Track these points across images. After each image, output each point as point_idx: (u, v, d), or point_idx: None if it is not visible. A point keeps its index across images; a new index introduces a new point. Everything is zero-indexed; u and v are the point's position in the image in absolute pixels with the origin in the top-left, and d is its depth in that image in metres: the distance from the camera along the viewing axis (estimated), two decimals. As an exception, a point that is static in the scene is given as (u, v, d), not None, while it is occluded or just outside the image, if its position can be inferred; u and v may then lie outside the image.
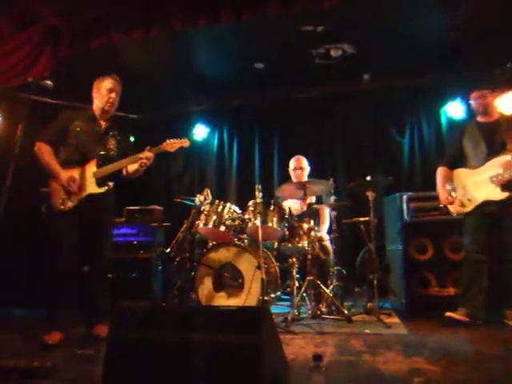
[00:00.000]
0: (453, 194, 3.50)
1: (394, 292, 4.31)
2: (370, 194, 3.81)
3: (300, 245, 3.81)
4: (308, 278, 3.60)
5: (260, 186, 3.84)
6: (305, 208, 4.27)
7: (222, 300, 3.68)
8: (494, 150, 3.35)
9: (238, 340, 1.53)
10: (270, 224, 3.77)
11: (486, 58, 4.69)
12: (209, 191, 4.18)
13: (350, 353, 2.59)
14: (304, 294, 3.70)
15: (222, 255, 3.73)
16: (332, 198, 4.17)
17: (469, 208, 3.43)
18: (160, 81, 5.43)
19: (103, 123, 3.42)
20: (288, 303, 3.92)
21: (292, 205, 4.32)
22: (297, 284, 3.71)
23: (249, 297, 3.51)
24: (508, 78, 4.75)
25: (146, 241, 4.59)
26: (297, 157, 4.73)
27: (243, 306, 3.42)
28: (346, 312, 3.65)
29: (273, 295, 3.84)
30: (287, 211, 3.98)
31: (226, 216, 3.90)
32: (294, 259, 3.79)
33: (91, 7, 4.02)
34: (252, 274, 3.52)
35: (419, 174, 5.58)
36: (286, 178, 4.82)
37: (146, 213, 4.87)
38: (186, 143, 3.57)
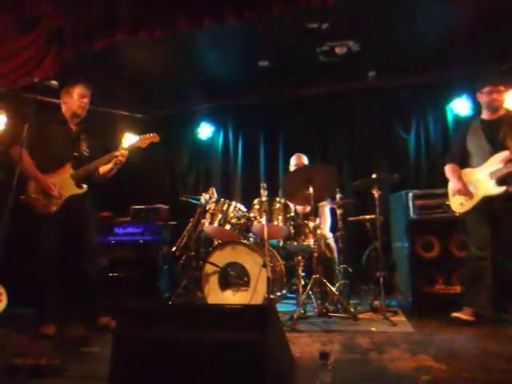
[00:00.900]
0: (471, 188, 3.44)
1: (401, 290, 4.29)
2: (376, 192, 3.80)
3: (306, 243, 3.81)
4: (314, 276, 3.60)
5: (265, 185, 3.84)
6: (308, 208, 4.27)
7: (228, 298, 3.69)
8: (497, 147, 3.33)
9: (245, 338, 1.53)
10: (275, 222, 3.77)
11: (493, 54, 4.66)
12: (214, 190, 4.19)
13: (356, 351, 2.59)
14: (310, 292, 3.69)
15: (228, 254, 3.73)
16: (338, 196, 4.16)
17: (469, 206, 3.42)
18: (164, 80, 5.44)
19: (73, 127, 3.55)
20: (294, 301, 3.92)
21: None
22: (303, 282, 3.71)
23: (255, 295, 3.51)
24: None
25: (151, 240, 4.60)
26: (297, 154, 4.77)
27: (249, 304, 3.42)
28: (352, 310, 3.65)
29: (279, 293, 3.84)
30: (292, 209, 3.99)
31: (232, 214, 3.91)
32: (300, 257, 3.79)
33: (95, 8, 4.03)
34: (258, 273, 3.52)
35: (425, 172, 5.55)
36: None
37: (152, 212, 4.89)
38: (155, 138, 3.72)
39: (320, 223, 4.26)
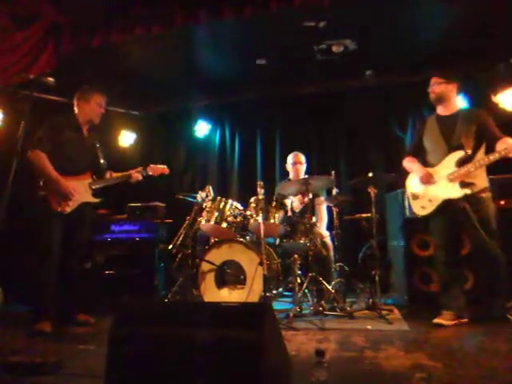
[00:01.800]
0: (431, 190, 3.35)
1: (396, 288, 4.31)
2: (372, 191, 3.81)
3: (302, 241, 3.82)
4: (310, 274, 3.61)
5: (262, 183, 3.84)
6: (305, 201, 4.29)
7: (225, 296, 3.69)
8: (452, 145, 3.25)
9: (240, 336, 1.54)
10: (272, 220, 3.78)
11: (489, 53, 4.68)
12: (210, 188, 4.18)
13: (352, 349, 2.60)
14: (306, 291, 3.70)
15: (224, 252, 3.73)
16: (334, 191, 4.16)
17: (430, 209, 3.34)
18: (161, 77, 5.43)
19: (85, 132, 3.63)
20: (290, 299, 3.93)
21: (294, 201, 4.33)
22: (299, 280, 3.72)
23: (251, 293, 3.52)
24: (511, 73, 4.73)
25: (148, 237, 4.59)
26: (294, 153, 4.78)
27: (245, 302, 3.43)
28: (348, 308, 3.66)
29: (275, 291, 3.85)
30: (289, 207, 3.99)
31: (228, 213, 3.91)
32: (296, 256, 3.79)
33: (93, 4, 4.01)
34: (254, 271, 3.52)
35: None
36: (287, 174, 4.82)
37: (148, 209, 4.88)
38: (165, 170, 4.00)
39: (316, 221, 4.27)
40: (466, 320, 3.18)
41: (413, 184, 3.53)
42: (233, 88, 5.98)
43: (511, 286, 3.07)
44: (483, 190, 3.19)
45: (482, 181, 3.20)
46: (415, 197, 3.48)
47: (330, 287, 3.69)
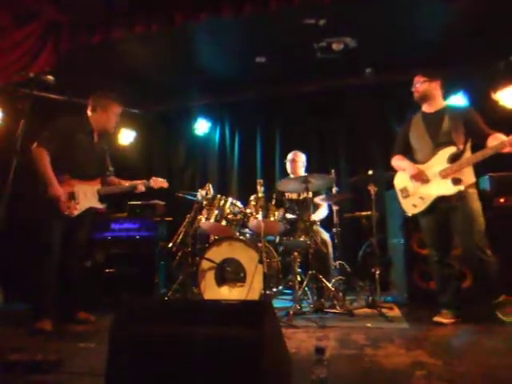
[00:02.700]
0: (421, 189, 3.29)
1: (396, 286, 4.31)
2: (372, 189, 3.81)
3: (302, 239, 3.82)
4: (310, 272, 3.61)
5: (262, 181, 3.84)
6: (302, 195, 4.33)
7: (225, 294, 3.69)
8: (439, 141, 3.21)
9: (241, 334, 1.54)
10: (271, 218, 3.78)
11: (490, 51, 4.67)
12: (210, 186, 4.19)
13: (351, 346, 2.60)
14: (306, 288, 3.71)
15: (224, 250, 3.74)
16: (334, 190, 4.17)
17: (422, 207, 3.28)
18: (161, 75, 5.42)
19: (96, 137, 3.65)
20: (290, 297, 3.93)
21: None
22: (299, 278, 3.72)
23: (251, 291, 3.52)
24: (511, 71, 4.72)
25: (148, 236, 4.59)
26: (294, 152, 4.81)
27: (245, 299, 3.43)
28: (347, 306, 3.66)
29: (275, 289, 3.85)
30: (288, 204, 4.01)
31: (228, 211, 3.92)
32: (296, 253, 3.80)
33: (92, 2, 4.00)
34: (254, 269, 3.53)
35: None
36: (287, 172, 4.83)
37: (148, 208, 4.88)
38: (165, 184, 4.08)
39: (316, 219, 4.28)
40: (459, 319, 3.18)
41: (401, 181, 3.47)
42: (232, 86, 5.98)
43: (499, 284, 3.02)
44: (470, 186, 3.14)
45: (468, 176, 3.15)
46: (405, 195, 3.41)
47: (329, 285, 3.70)
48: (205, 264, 3.77)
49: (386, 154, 5.62)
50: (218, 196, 4.00)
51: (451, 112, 3.26)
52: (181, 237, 4.14)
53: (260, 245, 3.52)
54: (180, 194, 4.56)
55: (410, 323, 3.25)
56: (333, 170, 4.18)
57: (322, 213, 4.49)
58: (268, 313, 1.62)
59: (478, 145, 3.13)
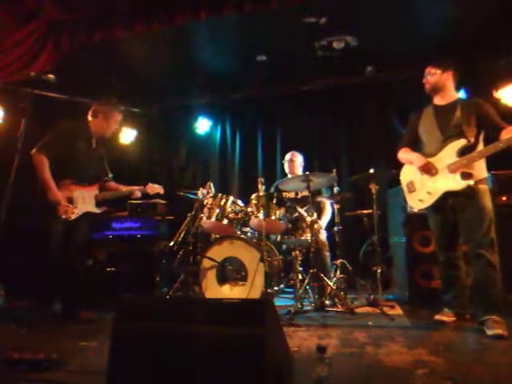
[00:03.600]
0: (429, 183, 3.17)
1: (398, 284, 4.31)
2: (373, 187, 3.80)
3: (303, 238, 3.82)
4: (311, 270, 3.61)
5: (263, 179, 3.85)
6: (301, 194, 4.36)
7: (226, 293, 3.69)
8: (449, 134, 3.06)
9: (242, 332, 1.54)
10: (273, 217, 3.78)
11: (491, 49, 4.66)
12: (211, 184, 4.19)
13: (353, 345, 2.60)
14: (307, 287, 3.71)
15: (226, 248, 3.73)
16: (335, 189, 4.17)
17: (429, 202, 3.16)
18: (162, 74, 5.42)
19: (94, 143, 3.74)
20: (291, 296, 3.93)
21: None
22: (300, 277, 3.72)
23: (252, 289, 3.52)
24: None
25: (149, 234, 4.60)
26: (292, 152, 4.83)
27: (247, 298, 3.43)
28: (349, 304, 3.66)
29: (276, 288, 3.85)
30: (288, 202, 4.02)
31: (229, 209, 3.91)
32: (297, 252, 3.80)
33: (92, 1, 4.00)
34: (255, 267, 3.52)
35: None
36: (285, 172, 4.84)
37: (149, 206, 4.89)
38: (161, 190, 4.15)
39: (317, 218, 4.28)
40: (468, 316, 3.15)
41: (407, 176, 3.37)
42: (233, 85, 5.98)
43: (498, 291, 2.87)
44: (481, 181, 3.00)
45: (480, 171, 3.02)
46: (411, 190, 3.31)
47: (331, 283, 3.70)
48: (206, 263, 3.76)
49: (387, 152, 5.67)
50: (219, 195, 3.99)
51: (464, 104, 3.12)
52: (182, 235, 4.14)
53: (262, 243, 3.52)
54: (181, 193, 4.55)
55: (412, 321, 3.26)
56: (334, 170, 4.18)
57: (327, 217, 4.50)
58: (269, 311, 1.62)
59: (491, 138, 2.98)
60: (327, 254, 4.15)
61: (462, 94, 3.31)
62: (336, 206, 4.20)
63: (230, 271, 3.78)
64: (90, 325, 3.36)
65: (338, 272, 4.00)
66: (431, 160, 3.14)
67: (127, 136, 6.19)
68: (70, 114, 3.62)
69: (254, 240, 3.93)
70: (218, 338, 1.57)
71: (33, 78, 2.87)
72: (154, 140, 6.73)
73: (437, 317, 3.19)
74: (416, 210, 3.40)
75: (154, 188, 4.06)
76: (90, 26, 4.16)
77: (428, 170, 3.14)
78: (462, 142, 2.99)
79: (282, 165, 4.94)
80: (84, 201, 3.56)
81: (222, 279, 3.77)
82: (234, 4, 3.77)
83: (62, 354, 2.30)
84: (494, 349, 2.45)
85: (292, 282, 3.82)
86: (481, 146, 3.03)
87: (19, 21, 3.89)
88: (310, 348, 2.49)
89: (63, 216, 3.38)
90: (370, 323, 3.21)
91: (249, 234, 4.10)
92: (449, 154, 3.04)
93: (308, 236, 3.77)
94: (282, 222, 3.84)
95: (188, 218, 4.18)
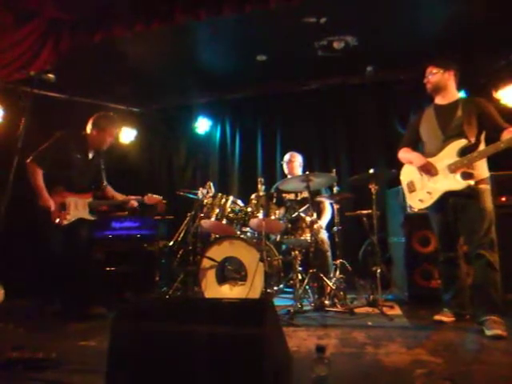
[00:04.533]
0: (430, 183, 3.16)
1: (397, 284, 4.31)
2: (373, 187, 3.80)
3: (303, 238, 3.82)
4: (311, 270, 3.61)
5: (262, 179, 3.85)
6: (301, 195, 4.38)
7: (225, 293, 3.69)
8: (449, 134, 3.06)
9: (241, 332, 1.54)
10: (272, 217, 3.78)
11: (491, 49, 4.67)
12: (211, 184, 4.19)
13: (352, 345, 2.60)
14: (307, 287, 3.71)
15: (225, 248, 3.73)
16: (335, 189, 4.17)
17: (429, 202, 3.16)
18: (162, 74, 5.42)
19: (91, 154, 3.84)
20: (291, 296, 3.93)
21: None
22: (300, 277, 3.72)
23: (252, 289, 3.52)
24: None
25: (148, 234, 4.59)
26: (291, 153, 4.82)
27: (246, 298, 3.43)
28: (348, 304, 3.66)
29: (276, 288, 3.85)
30: (288, 203, 4.02)
31: (229, 209, 3.91)
32: (297, 252, 3.80)
33: (93, 1, 4.00)
34: (255, 267, 3.52)
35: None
36: (284, 173, 4.84)
37: (149, 206, 4.88)
38: (160, 201, 4.14)
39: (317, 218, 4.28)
40: (467, 317, 3.15)
41: (407, 175, 3.37)
42: (233, 85, 5.98)
43: (498, 291, 2.86)
44: (482, 181, 2.99)
45: (481, 171, 3.01)
46: (411, 189, 3.31)
47: (330, 283, 3.70)
48: (206, 262, 3.77)
49: (386, 153, 5.67)
50: (219, 194, 3.99)
51: (465, 103, 3.12)
52: (182, 235, 4.14)
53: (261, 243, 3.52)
54: (181, 193, 4.55)
55: (411, 322, 3.25)
56: (334, 170, 4.18)
57: (327, 217, 4.50)
58: (269, 311, 1.62)
59: (493, 138, 2.95)
60: (329, 253, 4.15)
61: (462, 95, 3.30)
62: (336, 206, 4.20)
63: (230, 271, 3.78)
64: (88, 324, 3.36)
65: (338, 272, 4.00)
66: (432, 160, 3.13)
67: (127, 136, 6.18)
68: (69, 113, 3.62)
69: (254, 240, 3.93)
70: (217, 338, 1.56)
71: (32, 77, 2.87)
72: (154, 140, 6.73)
73: (436, 317, 3.19)
74: (416, 210, 3.40)
75: (152, 198, 4.06)
76: (90, 26, 4.16)
77: (427, 170, 3.14)
78: (462, 142, 2.98)
79: (282, 165, 4.94)
80: (77, 207, 3.65)
81: (222, 279, 3.77)
82: (234, 3, 3.77)
83: (62, 354, 2.31)
84: (493, 349, 2.45)
85: (291, 282, 3.82)
86: (482, 146, 3.02)
87: (19, 20, 3.88)
88: (309, 348, 2.50)
89: (56, 221, 3.48)
90: (369, 323, 3.21)
91: (248, 233, 4.10)
92: (449, 154, 3.03)
93: (308, 236, 3.77)
94: (281, 221, 3.84)
95: (188, 218, 4.18)
